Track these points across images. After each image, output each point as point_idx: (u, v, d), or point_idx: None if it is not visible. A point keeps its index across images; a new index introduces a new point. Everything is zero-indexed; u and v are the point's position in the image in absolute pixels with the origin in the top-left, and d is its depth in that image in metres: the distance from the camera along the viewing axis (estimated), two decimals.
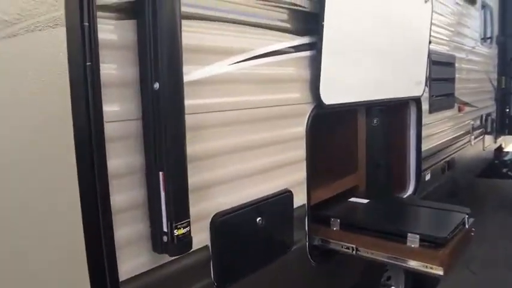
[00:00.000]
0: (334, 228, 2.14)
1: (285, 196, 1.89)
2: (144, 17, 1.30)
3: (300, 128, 1.99)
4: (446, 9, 3.75)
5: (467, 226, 2.03)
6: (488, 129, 5.73)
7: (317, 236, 2.15)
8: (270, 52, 1.80)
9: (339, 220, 2.13)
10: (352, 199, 2.45)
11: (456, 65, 4.06)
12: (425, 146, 3.41)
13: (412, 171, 3.31)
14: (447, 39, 3.83)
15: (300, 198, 2.01)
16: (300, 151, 1.99)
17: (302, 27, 1.95)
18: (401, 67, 2.78)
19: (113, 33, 1.28)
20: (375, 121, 2.92)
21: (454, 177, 4.24)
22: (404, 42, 2.76)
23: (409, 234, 1.87)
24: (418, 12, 2.90)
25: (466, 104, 4.49)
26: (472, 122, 4.80)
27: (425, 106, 3.34)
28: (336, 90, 2.11)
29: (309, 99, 2.01)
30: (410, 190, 3.31)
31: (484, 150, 5.55)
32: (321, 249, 2.15)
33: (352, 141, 2.64)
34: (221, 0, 1.58)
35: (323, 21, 1.93)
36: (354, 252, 2.00)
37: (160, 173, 1.34)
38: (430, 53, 3.27)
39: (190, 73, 1.47)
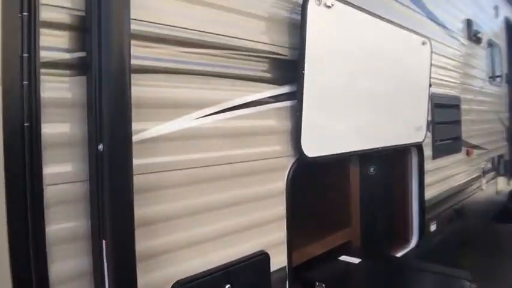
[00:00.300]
0: None
1: (260, 259, 1.71)
2: (91, 73, 1.20)
3: (279, 183, 1.83)
4: (449, 50, 3.62)
5: None
6: (502, 171, 5.46)
7: None
8: (245, 104, 1.67)
9: (324, 285, 1.93)
10: (343, 257, 2.24)
11: (462, 106, 3.89)
12: (429, 195, 3.20)
13: (414, 222, 3.10)
14: (451, 80, 3.67)
15: (279, 260, 1.82)
16: (279, 208, 1.83)
17: (281, 76, 1.83)
18: (398, 113, 2.63)
19: (59, 90, 1.19)
20: (371, 170, 2.75)
21: (464, 225, 3.98)
22: (401, 86, 2.62)
23: None
24: (415, 55, 2.77)
25: (475, 146, 4.28)
26: (482, 166, 4.56)
27: (428, 152, 3.15)
28: (320, 142, 1.96)
29: (290, 152, 1.86)
30: (413, 243, 3.08)
31: (497, 193, 5.27)
32: None
33: (343, 192, 2.46)
34: (186, 52, 1.47)
35: (303, 69, 1.80)
36: None
37: (104, 241, 1.21)
38: (431, 96, 3.13)
39: (147, 130, 1.35)
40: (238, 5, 1.66)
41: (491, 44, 5.07)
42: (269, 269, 1.75)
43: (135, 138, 1.26)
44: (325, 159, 2.02)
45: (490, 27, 5.15)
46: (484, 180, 4.57)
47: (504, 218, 5.90)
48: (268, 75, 1.78)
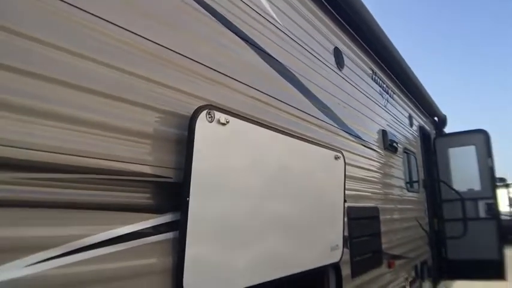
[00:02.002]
0: None
1: None
2: None
3: None
4: (364, 161, 3.60)
5: None
6: (426, 278, 5.37)
7: None
8: (105, 241, 1.34)
9: None
10: None
11: (381, 217, 3.80)
12: None
13: None
14: (368, 191, 3.61)
15: None
16: None
17: (163, 203, 1.54)
18: (312, 234, 2.40)
19: None
20: None
21: None
22: (313, 205, 2.42)
23: None
24: (328, 171, 2.65)
25: (397, 257, 4.15)
26: (406, 275, 4.41)
27: (346, 271, 2.92)
28: (210, 280, 1.64)
29: None
30: None
31: None
32: None
33: None
34: (23, 178, 1.15)
35: (188, 195, 1.53)
36: None
37: None
38: (347, 210, 2.98)
39: None
40: (105, 118, 1.39)
41: (406, 152, 5.25)
42: None
43: None
44: None
45: (405, 136, 5.38)
46: None
47: None
48: (144, 202, 1.48)
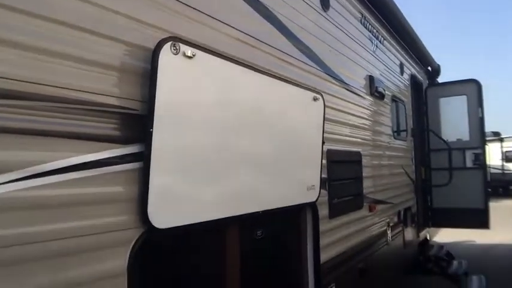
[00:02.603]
0: None
1: None
2: None
3: (117, 263, 1.50)
4: (348, 105, 3.59)
5: None
6: (409, 224, 5.53)
7: None
8: (68, 167, 1.36)
9: None
10: None
11: (364, 161, 3.85)
12: (326, 256, 3.01)
13: (310, 286, 2.87)
14: (350, 135, 3.63)
15: None
16: None
17: (128, 134, 1.55)
18: (286, 172, 2.45)
19: None
20: (258, 233, 2.51)
21: (370, 283, 3.84)
22: (288, 144, 2.45)
23: None
24: (305, 111, 2.65)
25: (380, 202, 4.25)
26: (388, 220, 4.54)
27: (324, 211, 3.00)
28: (176, 210, 1.68)
29: (133, 224, 1.55)
30: None
31: (405, 247, 5.27)
32: None
33: (217, 264, 2.16)
34: None
35: (151, 127, 1.54)
36: None
37: None
38: (327, 153, 3.01)
39: None
40: (70, 48, 1.38)
41: (395, 100, 5.23)
42: None
43: None
44: (185, 230, 1.74)
45: (395, 83, 5.34)
46: (389, 235, 4.53)
47: (415, 270, 5.93)
48: (109, 132, 1.50)
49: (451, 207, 6.41)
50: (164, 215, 1.62)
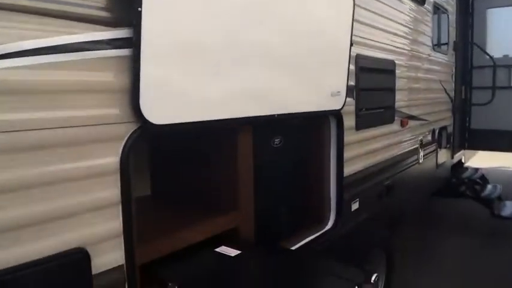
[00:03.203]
0: None
1: (72, 259, 1.26)
2: None
3: (109, 159, 1.36)
4: (383, 7, 3.19)
5: None
6: (444, 145, 5.23)
7: None
8: (50, 47, 1.18)
9: (176, 286, 1.51)
10: (220, 249, 1.83)
11: (398, 72, 3.51)
12: (351, 170, 2.83)
13: (332, 201, 2.73)
14: (384, 42, 3.26)
15: (110, 259, 1.38)
16: (109, 191, 1.36)
17: (118, 15, 1.33)
18: (307, 74, 2.19)
19: None
20: (276, 141, 2.32)
21: (397, 202, 3.68)
22: (310, 43, 2.17)
23: None
24: (331, 8, 2.32)
25: (413, 117, 3.95)
26: (420, 138, 4.26)
27: (349, 122, 2.76)
28: (174, 105, 1.50)
29: (125, 117, 1.39)
30: (329, 224, 2.72)
31: (437, 168, 5.03)
32: None
33: (228, 169, 2.01)
34: None
35: (140, 5, 1.31)
36: None
37: None
38: (356, 58, 2.71)
39: None
40: None
41: (438, 9, 4.69)
42: (88, 271, 1.30)
43: None
44: (186, 129, 1.56)
45: None
46: (421, 154, 4.28)
47: (446, 193, 5.73)
48: (94, 12, 1.28)
49: (491, 128, 5.99)
50: (160, 109, 1.44)
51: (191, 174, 2.18)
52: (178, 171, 2.28)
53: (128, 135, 1.39)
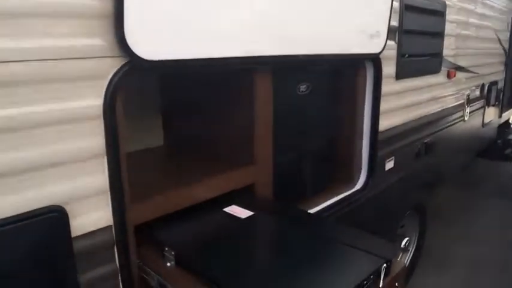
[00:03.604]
0: (168, 264, 1.32)
1: (46, 219, 1.05)
2: None
3: (89, 102, 1.11)
4: None
5: (382, 277, 1.18)
6: (492, 102, 4.73)
7: (152, 273, 1.33)
8: None
9: (173, 253, 1.30)
10: (228, 209, 1.59)
11: (449, 15, 3.05)
12: (387, 124, 2.51)
13: (363, 158, 2.44)
14: None
15: (95, 219, 1.17)
16: (89, 141, 1.13)
17: None
18: (336, 7, 1.83)
19: None
20: (302, 88, 2.02)
21: (436, 162, 3.34)
22: None
23: None
24: None
25: (460, 68, 3.51)
26: (468, 92, 3.82)
27: (389, 69, 2.41)
28: (171, 37, 1.21)
29: (110, 51, 1.12)
30: (359, 184, 2.45)
31: (483, 127, 4.58)
32: None
33: (243, 117, 1.73)
34: None
35: None
36: None
37: None
38: None
39: None
40: None
41: None
42: (66, 232, 1.10)
43: None
44: (188, 66, 1.29)
45: None
46: (467, 110, 3.86)
47: (491, 154, 5.29)
48: None
49: None
50: (152, 41, 1.17)
51: (205, 124, 1.93)
52: (190, 121, 2.04)
53: (113, 72, 1.13)
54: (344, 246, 1.31)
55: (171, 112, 2.20)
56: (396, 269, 1.25)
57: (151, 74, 1.58)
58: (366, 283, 1.14)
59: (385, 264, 1.19)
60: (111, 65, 1.13)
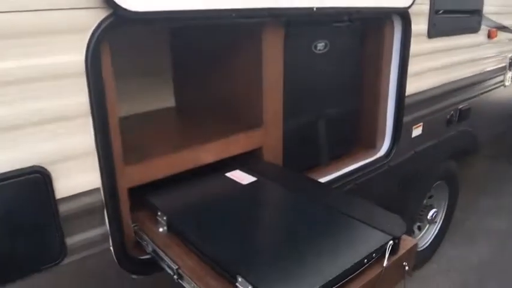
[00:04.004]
0: (160, 230, 1.26)
1: (27, 180, 1.00)
2: None
3: (70, 57, 1.02)
4: None
5: (387, 256, 1.07)
6: None
7: (144, 237, 1.28)
8: None
9: (165, 218, 1.24)
10: (230, 174, 1.50)
11: None
12: (416, 87, 2.32)
13: (388, 123, 2.28)
14: None
15: (81, 181, 1.11)
16: (72, 99, 1.05)
17: None
18: None
19: None
20: (319, 46, 1.86)
21: (470, 130, 3.12)
22: None
23: (239, 279, 0.96)
24: None
25: (503, 28, 3.19)
26: (510, 55, 3.50)
27: (420, 25, 2.19)
28: None
29: (92, 1, 1.02)
30: (381, 151, 2.30)
31: None
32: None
33: (250, 76, 1.60)
34: None
35: None
36: (175, 276, 1.12)
37: None
38: None
39: None
40: None
41: None
42: (50, 194, 1.05)
43: None
44: (180, 19, 1.18)
45: None
46: (509, 75, 3.55)
47: None
48: None
49: None
50: None
51: (215, 84, 1.83)
52: (201, 81, 1.94)
53: (95, 25, 1.03)
54: (348, 218, 1.20)
55: (181, 73, 2.10)
56: (406, 247, 1.14)
57: (141, 27, 1.47)
58: (367, 261, 1.04)
59: (391, 242, 1.08)
60: (93, 17, 1.03)
